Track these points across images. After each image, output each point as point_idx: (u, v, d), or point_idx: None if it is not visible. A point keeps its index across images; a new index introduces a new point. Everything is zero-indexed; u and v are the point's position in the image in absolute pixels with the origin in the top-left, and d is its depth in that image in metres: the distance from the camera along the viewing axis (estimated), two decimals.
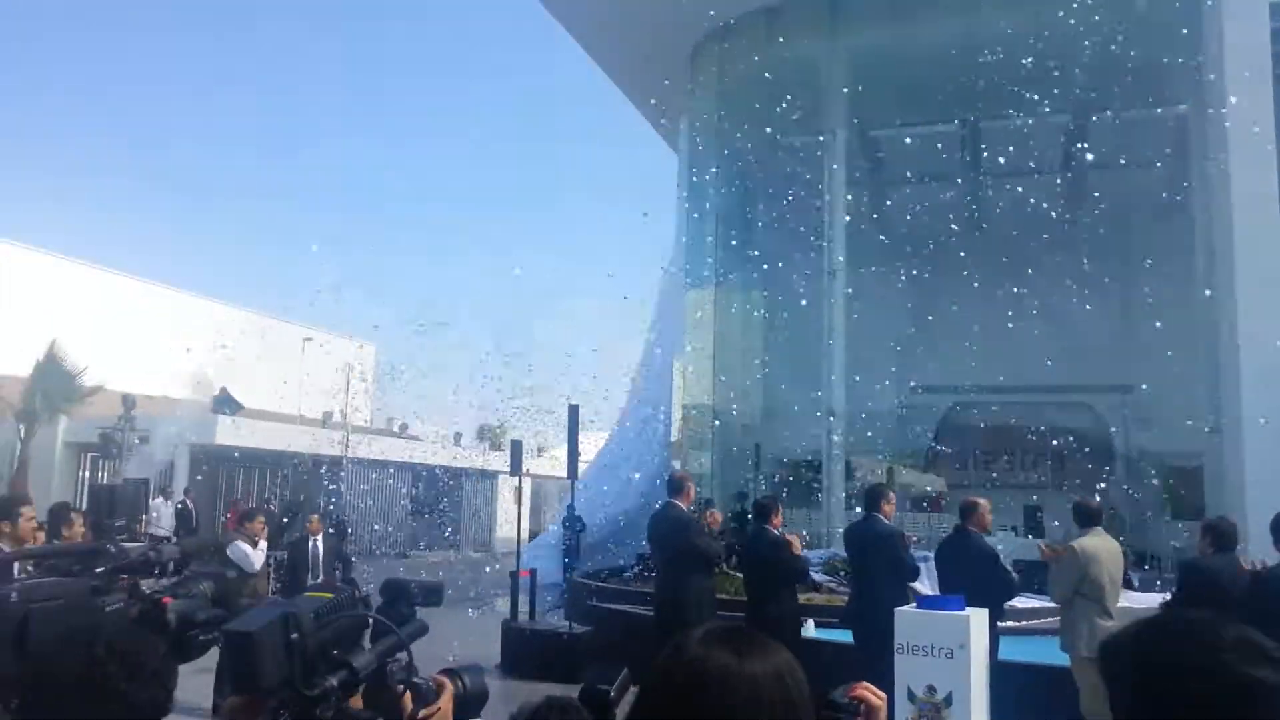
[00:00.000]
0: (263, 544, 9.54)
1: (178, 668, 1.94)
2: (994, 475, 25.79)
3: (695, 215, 24.76)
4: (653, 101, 26.50)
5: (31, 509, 5.82)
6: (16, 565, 2.00)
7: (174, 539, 20.55)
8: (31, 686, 1.67)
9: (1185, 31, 19.65)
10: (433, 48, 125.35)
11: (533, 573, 11.95)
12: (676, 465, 22.08)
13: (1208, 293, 19.42)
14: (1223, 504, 18.42)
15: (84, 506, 10.70)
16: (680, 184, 25.76)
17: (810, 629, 10.61)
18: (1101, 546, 7.17)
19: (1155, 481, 23.32)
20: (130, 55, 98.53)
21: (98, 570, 2.10)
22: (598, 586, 14.56)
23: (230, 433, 26.84)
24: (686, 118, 25.61)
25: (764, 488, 22.95)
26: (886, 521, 7.90)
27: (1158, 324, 20.98)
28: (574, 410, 11.72)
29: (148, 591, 2.10)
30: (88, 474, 27.90)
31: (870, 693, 1.76)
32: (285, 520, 17.42)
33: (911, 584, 13.68)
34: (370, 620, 1.81)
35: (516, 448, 12.90)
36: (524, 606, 11.99)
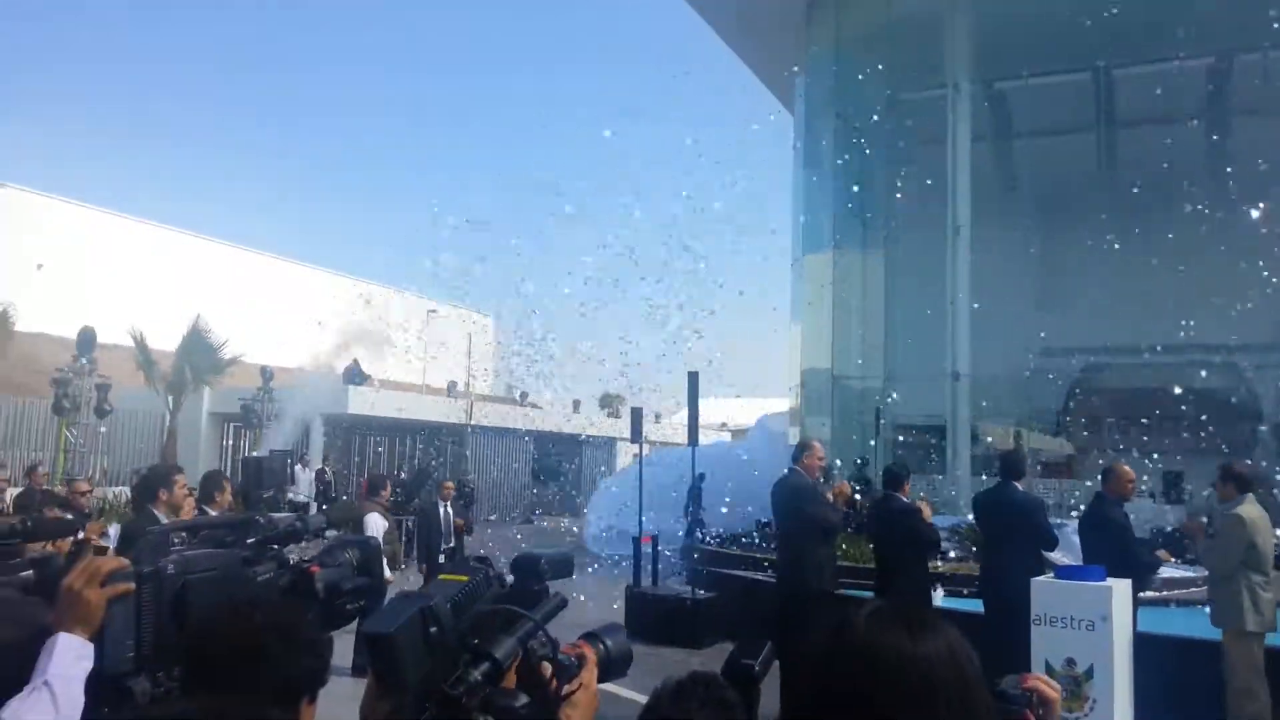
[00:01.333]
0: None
1: (330, 636, 1.99)
2: (1129, 440, 24.73)
3: (813, 177, 24.31)
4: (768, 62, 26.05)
5: (184, 477, 6.14)
6: (172, 536, 2.07)
7: (318, 506, 21.54)
8: (193, 657, 1.73)
9: None
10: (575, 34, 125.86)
11: (654, 538, 12.05)
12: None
13: None
14: None
15: (229, 475, 11.25)
16: (796, 145, 25.29)
17: (939, 597, 10.41)
18: (1261, 515, 6.78)
19: None
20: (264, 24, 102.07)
21: (248, 541, 2.15)
22: (719, 552, 14.60)
23: (361, 402, 27.84)
24: (803, 77, 25.07)
25: (887, 454, 22.57)
26: (1021, 489, 7.66)
27: None
28: (694, 377, 11.70)
29: (295, 561, 2.16)
30: (230, 443, 29.38)
31: (1044, 684, 1.68)
32: (411, 486, 17.98)
33: (1048, 554, 13.31)
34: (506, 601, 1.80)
35: (637, 415, 12.98)
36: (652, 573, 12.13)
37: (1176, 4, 18.82)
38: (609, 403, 43.78)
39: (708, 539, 16.59)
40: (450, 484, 11.92)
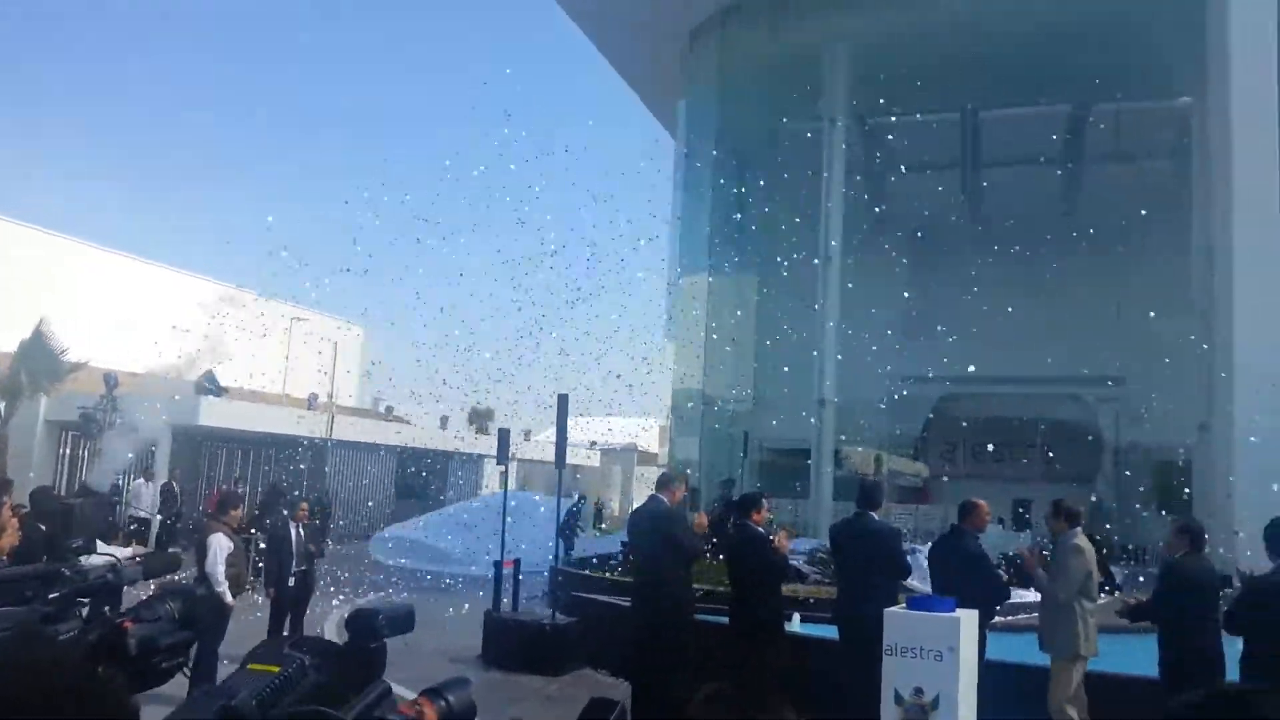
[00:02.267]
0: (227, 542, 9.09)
1: (137, 702, 1.75)
2: (983, 467, 25.76)
3: (692, 200, 24.56)
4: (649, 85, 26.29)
5: (10, 497, 5.60)
6: None
7: (163, 522, 20.33)
8: None
9: (1189, 24, 19.43)
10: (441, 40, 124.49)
11: (516, 562, 11.79)
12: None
13: (1203, 289, 19.29)
14: (1211, 500, 18.37)
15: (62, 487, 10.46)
16: (676, 168, 25.52)
17: (795, 623, 10.47)
18: (1089, 547, 7.22)
19: (1143, 476, 23.29)
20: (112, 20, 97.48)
21: (52, 595, 1.97)
22: (583, 576, 14.42)
23: (214, 413, 26.56)
24: (685, 103, 25.37)
25: (754, 476, 22.86)
26: (878, 519, 7.75)
27: (1151, 318, 20.88)
28: (563, 399, 11.53)
29: (110, 614, 1.96)
30: (68, 452, 27.59)
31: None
32: (262, 505, 17.20)
33: (905, 581, 13.60)
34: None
35: (504, 436, 12.72)
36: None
37: (1039, 54, 19.77)
38: (478, 418, 43.13)
39: (572, 563, 16.42)
40: (305, 505, 11.37)
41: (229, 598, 8.86)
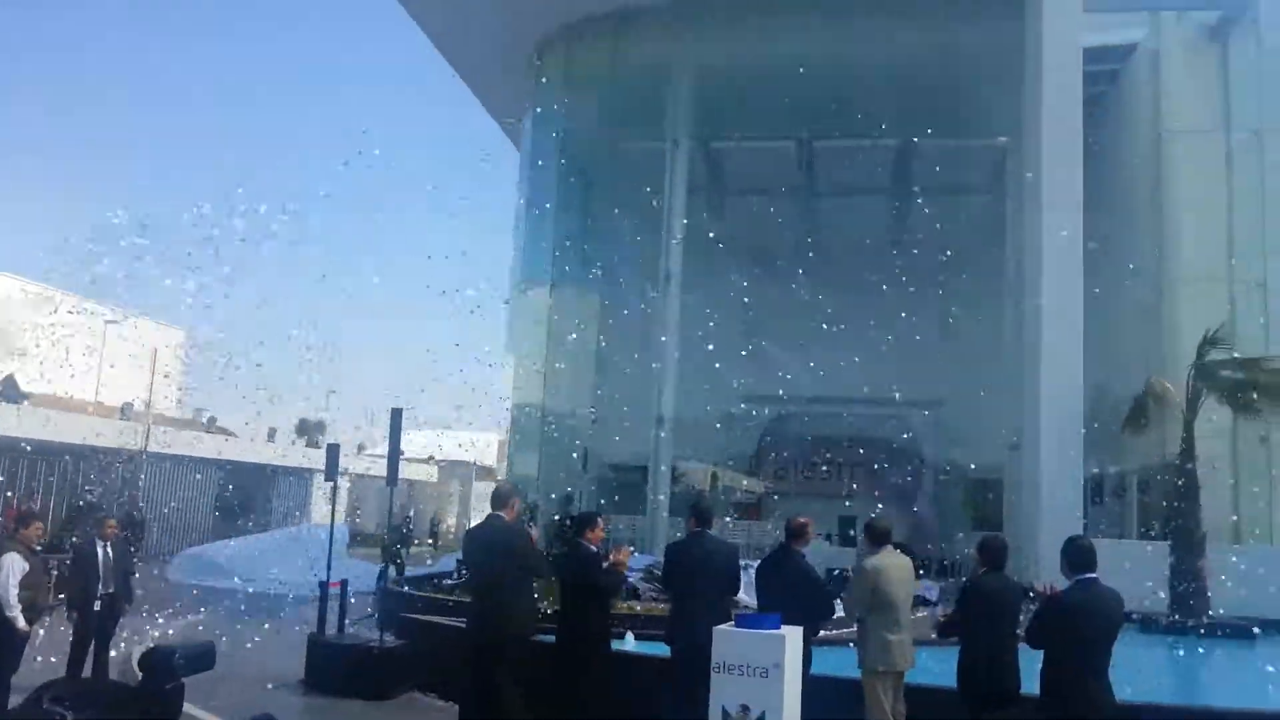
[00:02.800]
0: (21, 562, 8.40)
1: None
2: (813, 483, 26.65)
3: (535, 213, 24.45)
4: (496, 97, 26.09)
5: None
6: None
7: None
8: None
9: (1006, 71, 20.76)
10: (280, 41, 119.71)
11: (343, 583, 11.35)
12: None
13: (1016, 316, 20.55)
14: (1020, 517, 19.59)
15: None
16: (521, 181, 25.37)
17: (629, 642, 10.47)
18: (891, 564, 7.35)
19: (959, 494, 24.61)
20: None
21: None
22: (414, 596, 14.03)
23: (11, 422, 24.60)
24: (530, 116, 25.26)
25: (590, 492, 22.90)
26: (717, 537, 7.82)
27: (967, 345, 22.13)
28: (397, 413, 11.19)
29: None
30: None
31: None
32: (66, 521, 16.01)
33: (735, 597, 13.84)
34: None
35: (333, 451, 12.23)
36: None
37: (870, 89, 20.69)
38: (309, 431, 41.56)
39: (399, 583, 15.97)
40: (112, 521, 10.58)
41: (22, 623, 8.19)
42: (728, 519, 24.31)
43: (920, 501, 25.92)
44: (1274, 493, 19.27)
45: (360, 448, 34.95)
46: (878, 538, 7.51)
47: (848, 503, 24.27)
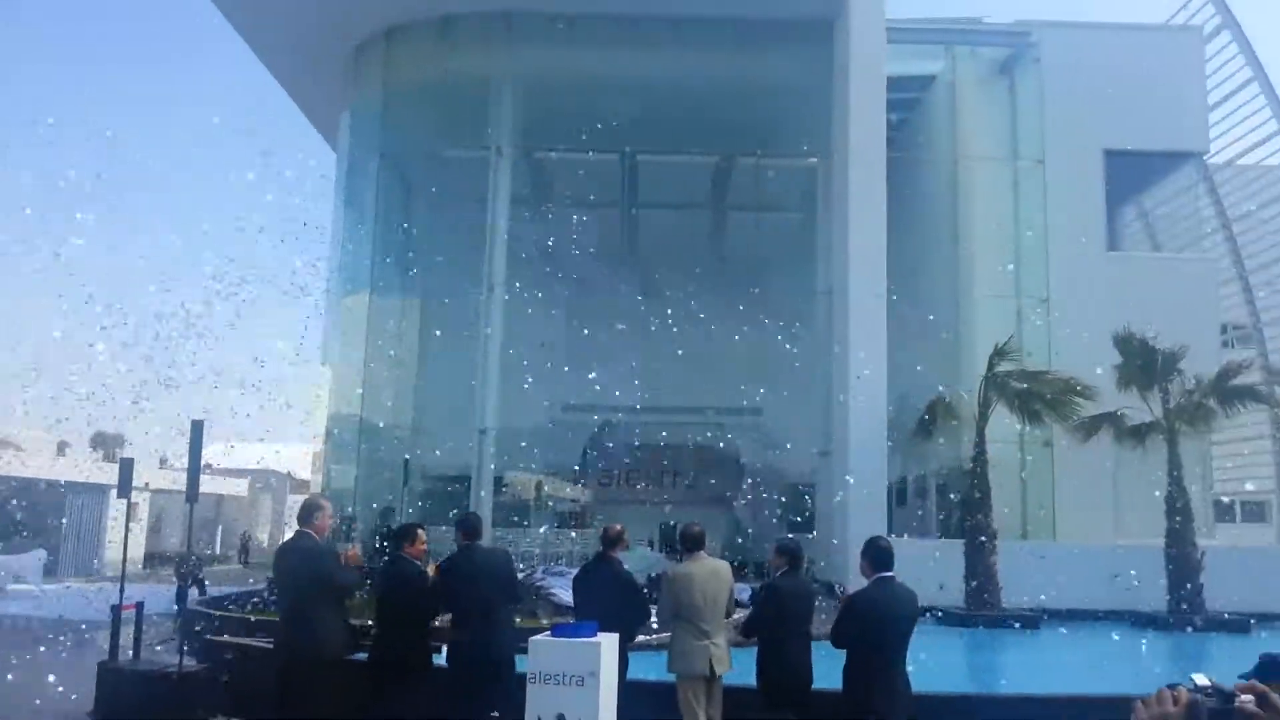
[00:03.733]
0: None
1: None
2: (635, 491, 27.01)
3: (355, 219, 23.76)
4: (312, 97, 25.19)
5: None
6: None
7: None
8: None
9: (818, 94, 21.75)
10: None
11: (139, 605, 10.65)
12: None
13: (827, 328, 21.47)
14: (830, 520, 20.48)
15: None
16: (338, 185, 24.59)
17: (444, 655, 10.29)
18: (698, 571, 7.38)
19: (775, 499, 25.45)
20: None
21: None
22: (217, 617, 13.34)
23: None
24: (348, 118, 24.53)
25: (411, 504, 22.42)
26: (487, 547, 7.73)
27: (781, 355, 22.96)
28: (198, 426, 10.59)
29: None
30: None
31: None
32: None
33: (551, 594, 13.82)
34: None
35: (126, 466, 11.45)
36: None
37: (690, 106, 21.23)
38: (105, 444, 38.86)
39: (201, 604, 15.16)
40: None
41: None
42: (553, 530, 24.37)
43: (738, 507, 26.71)
44: (1057, 493, 20.87)
45: (163, 462, 32.96)
46: (691, 544, 7.62)
47: (666, 510, 24.74)
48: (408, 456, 23.38)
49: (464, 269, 22.36)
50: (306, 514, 7.49)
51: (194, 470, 10.64)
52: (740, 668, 7.55)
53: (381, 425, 22.99)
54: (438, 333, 23.23)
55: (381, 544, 18.63)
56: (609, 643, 6.83)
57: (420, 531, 7.70)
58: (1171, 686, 1.68)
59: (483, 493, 21.11)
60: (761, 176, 23.36)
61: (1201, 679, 1.70)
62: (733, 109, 21.60)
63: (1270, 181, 23.31)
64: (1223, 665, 12.97)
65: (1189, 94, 22.60)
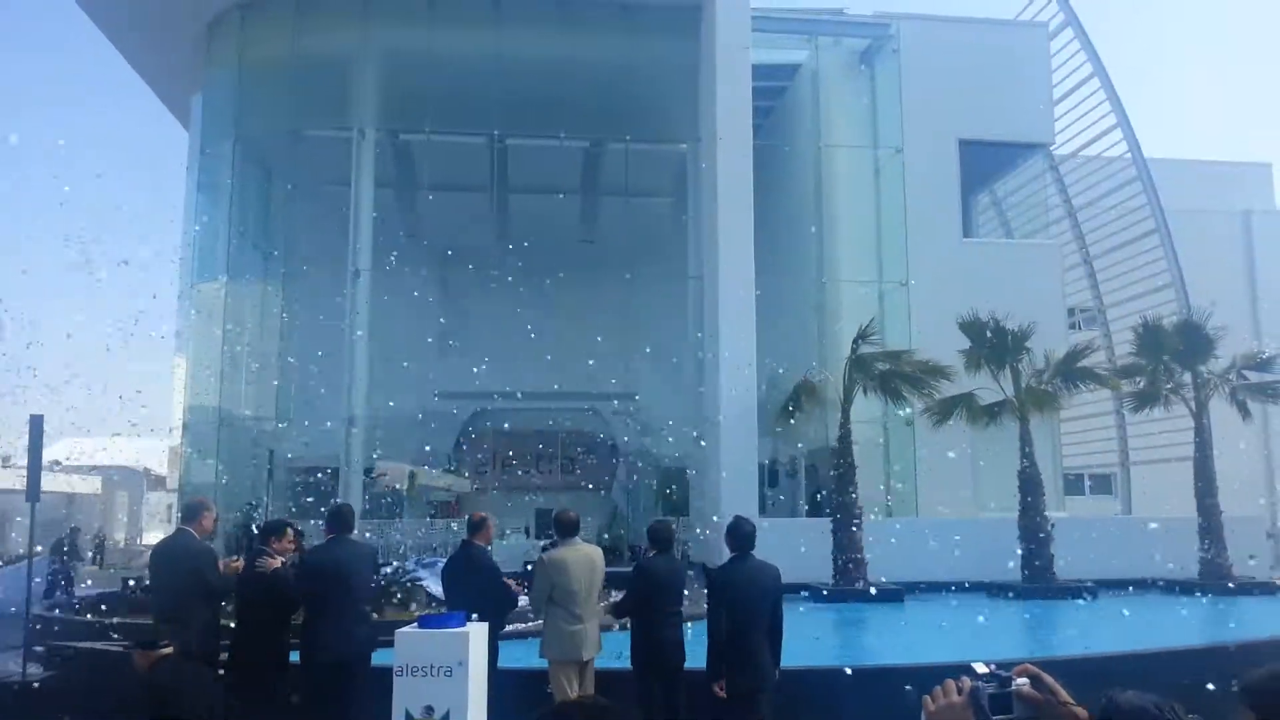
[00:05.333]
0: None
1: None
2: (512, 478, 26.86)
3: (209, 202, 22.74)
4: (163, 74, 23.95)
5: None
6: None
7: None
8: None
9: (686, 83, 21.92)
10: None
11: None
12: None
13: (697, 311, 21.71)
14: (704, 503, 20.79)
15: None
16: (191, 166, 23.48)
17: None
18: (572, 556, 7.38)
19: (651, 482, 25.71)
20: None
21: None
22: (71, 622, 12.62)
23: None
24: (201, 96, 23.44)
25: (280, 497, 21.73)
26: (357, 541, 7.55)
27: (655, 341, 23.17)
28: (37, 421, 9.97)
29: None
30: None
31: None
32: None
33: (423, 586, 13.58)
34: None
35: None
36: None
37: (559, 89, 21.08)
38: None
39: (51, 608, 14.33)
40: None
41: None
42: (426, 519, 23.99)
43: (615, 491, 26.85)
44: (919, 470, 21.68)
45: (7, 460, 31.02)
46: (566, 529, 7.61)
47: (542, 497, 24.71)
48: (272, 449, 22.64)
49: (328, 254, 21.71)
50: (191, 513, 7.28)
51: (34, 467, 10.04)
52: (608, 650, 7.59)
53: (242, 417, 22.15)
54: (300, 320, 22.48)
55: (247, 541, 18.02)
56: (478, 632, 6.75)
57: (290, 528, 7.47)
58: (956, 678, 1.76)
59: (352, 485, 20.58)
60: (632, 161, 23.42)
61: (981, 667, 1.77)
62: (603, 93, 21.57)
63: (1111, 172, 24.66)
64: (1072, 632, 13.78)
65: (1036, 87, 23.73)
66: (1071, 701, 1.77)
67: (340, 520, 7.36)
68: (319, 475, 22.27)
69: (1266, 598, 17.11)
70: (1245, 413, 19.54)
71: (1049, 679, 1.80)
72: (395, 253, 21.87)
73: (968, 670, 1.80)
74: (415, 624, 6.92)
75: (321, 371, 20.93)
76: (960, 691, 1.76)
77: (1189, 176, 31.31)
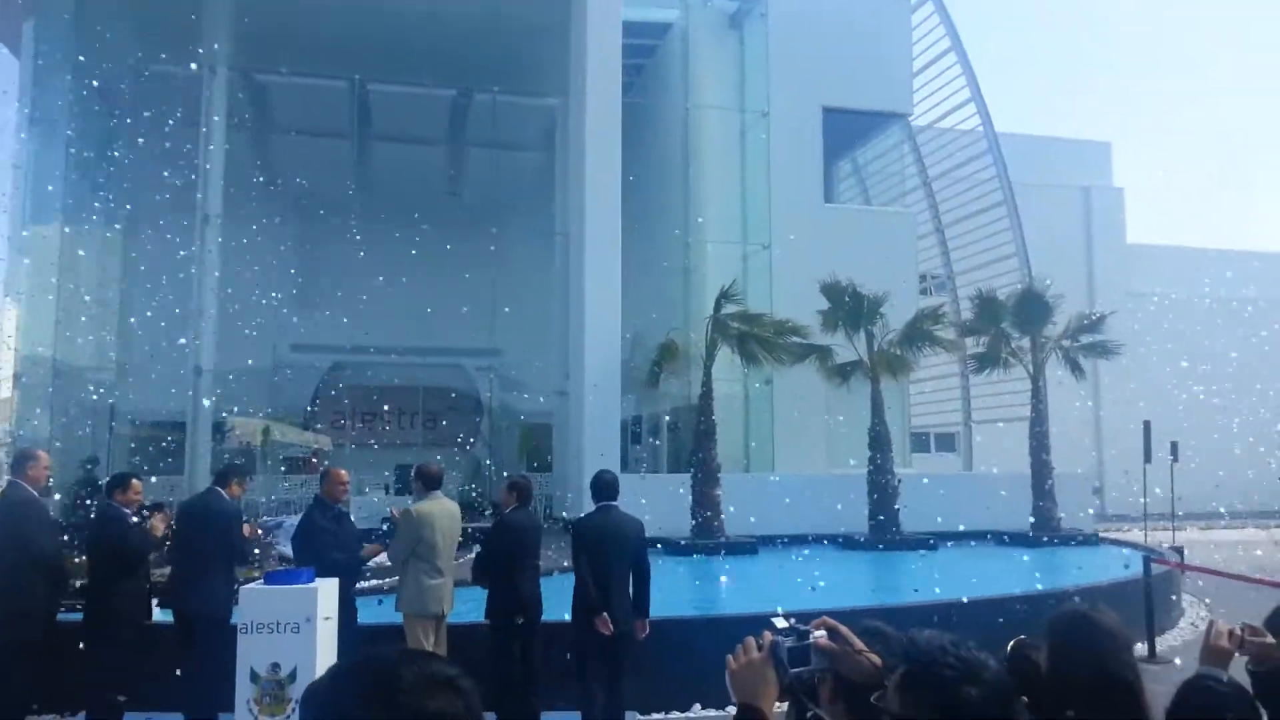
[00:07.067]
0: None
1: None
2: (372, 434, 26.35)
3: (41, 137, 21.19)
4: None
5: None
6: None
7: None
8: None
9: (557, 35, 21.58)
10: None
11: None
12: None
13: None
14: (567, 459, 20.88)
15: None
16: (22, 98, 21.81)
17: (156, 609, 9.69)
18: (437, 510, 7.37)
19: (515, 438, 25.65)
20: None
21: None
22: None
23: None
24: (34, 21, 21.72)
25: (120, 453, 20.75)
26: (228, 498, 7.35)
27: (521, 296, 22.98)
28: None
29: None
30: None
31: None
32: None
33: (276, 545, 13.26)
34: None
35: None
36: None
37: (425, 35, 20.44)
38: None
39: None
40: None
41: None
42: (280, 477, 23.34)
43: (478, 447, 26.68)
44: (775, 429, 22.29)
45: None
46: (431, 482, 7.55)
47: (408, 451, 24.35)
48: (113, 402, 21.56)
49: (175, 197, 20.59)
50: (18, 463, 6.95)
51: None
52: (461, 606, 7.60)
53: (81, 368, 20.94)
54: (146, 268, 21.34)
55: (85, 495, 17.21)
56: (327, 588, 6.64)
57: (135, 481, 7.30)
58: (757, 635, 1.83)
59: (200, 440, 19.78)
60: (500, 114, 23.03)
61: (781, 621, 1.85)
62: (471, 42, 21.03)
63: (964, 144, 25.65)
64: (911, 580, 14.51)
65: (897, 59, 24.40)
66: (866, 649, 1.86)
67: (221, 474, 7.33)
68: (165, 430, 21.35)
69: (1090, 548, 18.38)
70: (1080, 373, 20.79)
71: (845, 630, 1.89)
72: (249, 199, 20.95)
73: (769, 625, 1.86)
74: (261, 580, 6.79)
75: (168, 322, 19.96)
76: (760, 647, 1.81)
77: (1036, 151, 32.96)
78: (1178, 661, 9.46)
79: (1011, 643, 2.41)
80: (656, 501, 15.22)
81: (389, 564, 8.18)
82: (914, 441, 25.93)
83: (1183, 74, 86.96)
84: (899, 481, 18.77)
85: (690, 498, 17.78)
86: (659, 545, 16.37)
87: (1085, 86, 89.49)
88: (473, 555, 7.90)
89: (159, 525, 7.29)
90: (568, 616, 6.97)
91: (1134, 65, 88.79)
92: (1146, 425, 20.15)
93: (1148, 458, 19.80)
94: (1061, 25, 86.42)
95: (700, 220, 23.14)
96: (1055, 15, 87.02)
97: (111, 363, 21.33)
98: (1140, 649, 10.04)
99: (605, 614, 6.63)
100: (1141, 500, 20.85)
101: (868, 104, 24.11)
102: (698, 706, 7.86)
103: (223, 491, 7.36)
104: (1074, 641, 2.28)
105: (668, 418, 24.78)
